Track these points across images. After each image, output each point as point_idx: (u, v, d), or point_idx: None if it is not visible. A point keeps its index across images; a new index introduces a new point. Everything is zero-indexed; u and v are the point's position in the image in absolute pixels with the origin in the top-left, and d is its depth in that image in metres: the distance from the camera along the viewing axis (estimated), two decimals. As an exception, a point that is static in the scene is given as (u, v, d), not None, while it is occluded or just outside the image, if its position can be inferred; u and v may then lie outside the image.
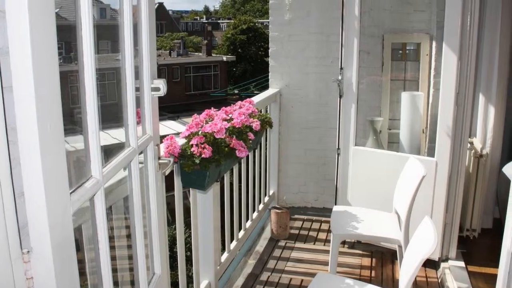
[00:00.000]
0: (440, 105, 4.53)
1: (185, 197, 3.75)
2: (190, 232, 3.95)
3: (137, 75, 2.41)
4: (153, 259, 2.77)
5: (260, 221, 5.90)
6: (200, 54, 47.34)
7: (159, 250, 2.78)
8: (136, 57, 2.36)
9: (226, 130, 3.28)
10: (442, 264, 4.78)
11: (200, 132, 3.17)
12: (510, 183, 2.91)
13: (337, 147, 5.31)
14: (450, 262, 4.77)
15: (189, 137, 3.15)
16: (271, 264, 5.06)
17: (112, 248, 2.13)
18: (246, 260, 5.13)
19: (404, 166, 4.36)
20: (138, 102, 2.45)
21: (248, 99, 4.25)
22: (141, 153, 2.49)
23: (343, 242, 5.32)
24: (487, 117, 5.39)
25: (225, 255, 4.64)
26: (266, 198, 6.09)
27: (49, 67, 1.47)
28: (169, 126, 22.22)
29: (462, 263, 4.77)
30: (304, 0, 5.95)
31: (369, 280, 4.75)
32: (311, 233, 5.81)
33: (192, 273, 3.95)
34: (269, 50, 6.25)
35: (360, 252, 5.25)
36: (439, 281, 4.68)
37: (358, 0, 4.92)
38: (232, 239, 4.91)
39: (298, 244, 5.51)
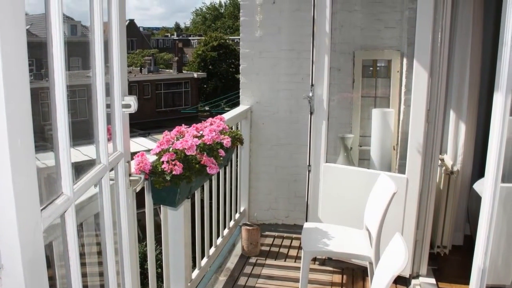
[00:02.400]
0: (411, 122, 4.58)
1: (156, 214, 3.74)
2: (161, 249, 3.93)
3: (108, 92, 2.40)
4: (124, 275, 2.74)
5: (231, 238, 5.89)
6: (171, 70, 47.31)
7: (130, 267, 2.76)
8: (107, 74, 2.35)
9: (197, 147, 3.28)
10: (413, 281, 4.80)
11: (171, 149, 3.17)
12: (481, 200, 2.95)
13: (308, 164, 5.32)
14: (421, 279, 4.80)
15: (160, 154, 3.15)
16: (242, 281, 5.05)
17: (83, 265, 2.11)
18: (217, 277, 5.11)
19: (375, 183, 4.38)
20: (109, 119, 2.44)
21: (219, 115, 4.25)
22: (112, 170, 2.48)
23: (314, 259, 5.33)
24: (458, 134, 5.44)
25: (196, 272, 4.62)
26: (237, 215, 6.09)
27: (19, 84, 1.46)
28: (140, 143, 22.13)
29: (433, 280, 4.80)
30: (275, 17, 5.99)
31: (340, 297, 4.77)
32: (282, 249, 5.81)
33: (163, 290, 3.94)
34: (240, 67, 6.27)
35: (331, 269, 5.25)
36: (410, 297, 4.71)
37: (329, 17, 4.95)
38: (203, 256, 4.89)
39: (269, 261, 5.50)
